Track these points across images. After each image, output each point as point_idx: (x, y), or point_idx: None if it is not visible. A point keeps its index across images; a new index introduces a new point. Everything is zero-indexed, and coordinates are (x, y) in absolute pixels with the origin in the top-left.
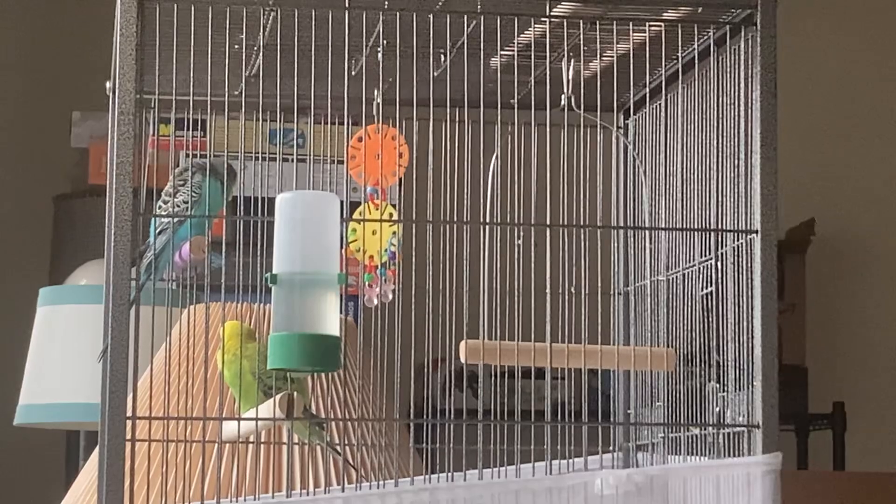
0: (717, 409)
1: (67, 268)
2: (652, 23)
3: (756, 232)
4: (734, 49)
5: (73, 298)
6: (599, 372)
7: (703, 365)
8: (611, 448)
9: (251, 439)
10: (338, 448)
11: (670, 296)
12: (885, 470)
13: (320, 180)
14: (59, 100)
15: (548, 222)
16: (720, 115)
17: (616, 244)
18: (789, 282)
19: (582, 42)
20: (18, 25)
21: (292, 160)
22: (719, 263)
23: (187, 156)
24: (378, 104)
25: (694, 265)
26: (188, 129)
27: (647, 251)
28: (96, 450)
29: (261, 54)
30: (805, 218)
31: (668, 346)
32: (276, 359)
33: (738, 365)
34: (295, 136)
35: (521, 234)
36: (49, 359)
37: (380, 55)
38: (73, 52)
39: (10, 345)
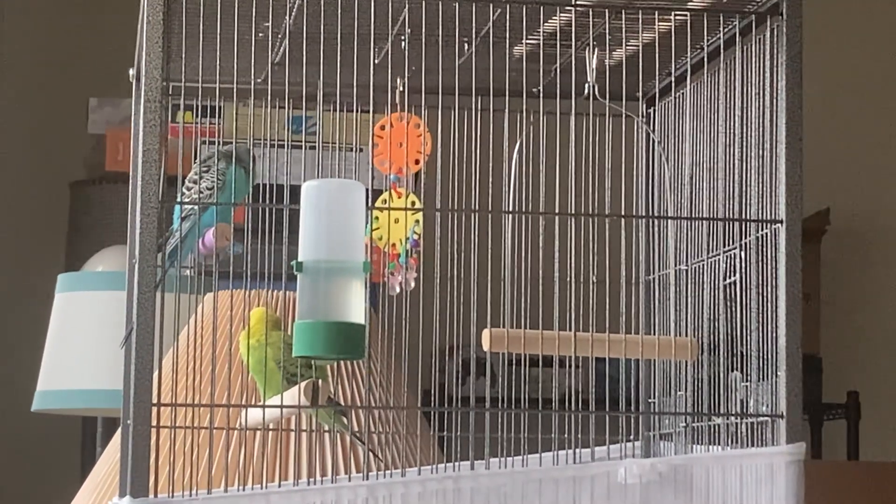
0: (741, 398)
1: (84, 254)
2: (677, 12)
3: (781, 222)
4: (759, 38)
5: (91, 285)
6: (622, 360)
7: (726, 354)
8: (631, 437)
9: (272, 426)
10: (359, 435)
11: (693, 285)
12: None
13: (340, 168)
14: (76, 86)
15: (571, 211)
16: (745, 105)
17: (638, 233)
18: (804, 271)
19: (607, 31)
20: (36, 12)
21: (313, 147)
22: (743, 253)
23: (203, 143)
24: (402, 92)
25: (717, 254)
26: (211, 117)
27: (671, 240)
28: (115, 436)
29: (286, 42)
30: (820, 207)
31: (690, 336)
32: (301, 346)
33: (761, 355)
34: (319, 124)
35: (544, 223)
36: (67, 345)
37: (404, 43)
38: (91, 38)
39: (28, 330)
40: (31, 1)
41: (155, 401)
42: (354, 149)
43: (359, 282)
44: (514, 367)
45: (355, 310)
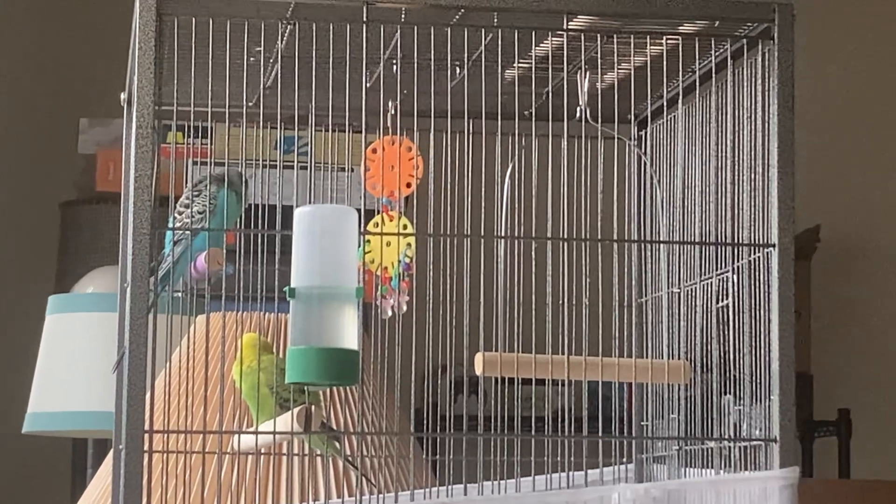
0: (733, 422)
1: (74, 275)
2: (669, 36)
3: (773, 246)
4: (751, 62)
5: (82, 306)
6: (615, 383)
7: (719, 377)
8: (624, 459)
9: (265, 451)
10: (350, 459)
11: (686, 308)
12: (890, 478)
13: (330, 189)
14: (66, 106)
15: (563, 235)
16: (736, 128)
17: (630, 256)
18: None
19: (599, 54)
20: (26, 32)
21: (304, 168)
22: (735, 276)
23: (194, 163)
24: (393, 115)
25: (710, 277)
26: (202, 137)
27: (663, 263)
28: (107, 460)
29: (278, 66)
30: (810, 225)
31: (683, 359)
32: (294, 373)
33: (753, 378)
34: (311, 145)
35: (536, 246)
36: (58, 367)
37: (396, 67)
38: (81, 58)
39: (18, 352)
40: (21, 22)
41: (147, 427)
42: (347, 168)
43: (352, 307)
44: (505, 385)
45: (349, 335)
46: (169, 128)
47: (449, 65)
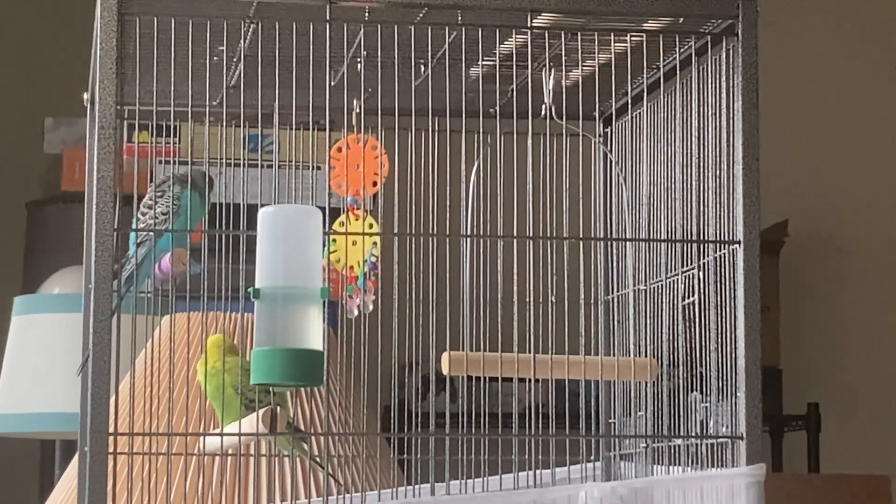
0: (700, 419)
1: (41, 275)
2: (633, 33)
3: (738, 242)
4: (715, 59)
5: (48, 307)
6: (582, 381)
7: (685, 374)
8: (592, 457)
9: (231, 452)
10: (318, 460)
11: (652, 305)
12: (859, 471)
13: (295, 187)
14: (31, 105)
15: (529, 233)
16: (701, 125)
17: (597, 253)
18: (763, 283)
19: (563, 52)
20: None
21: (269, 166)
22: (701, 273)
23: (160, 162)
24: (358, 114)
25: (676, 275)
26: (167, 136)
27: (629, 260)
28: (73, 461)
29: (241, 65)
30: (778, 219)
31: (650, 356)
32: (259, 374)
33: (720, 375)
34: (276, 143)
35: (502, 244)
36: (24, 368)
37: (360, 65)
38: (46, 57)
39: None
40: None
41: (112, 429)
42: (311, 166)
43: (316, 308)
44: (473, 381)
45: (313, 336)
46: (136, 127)
47: (413, 63)
